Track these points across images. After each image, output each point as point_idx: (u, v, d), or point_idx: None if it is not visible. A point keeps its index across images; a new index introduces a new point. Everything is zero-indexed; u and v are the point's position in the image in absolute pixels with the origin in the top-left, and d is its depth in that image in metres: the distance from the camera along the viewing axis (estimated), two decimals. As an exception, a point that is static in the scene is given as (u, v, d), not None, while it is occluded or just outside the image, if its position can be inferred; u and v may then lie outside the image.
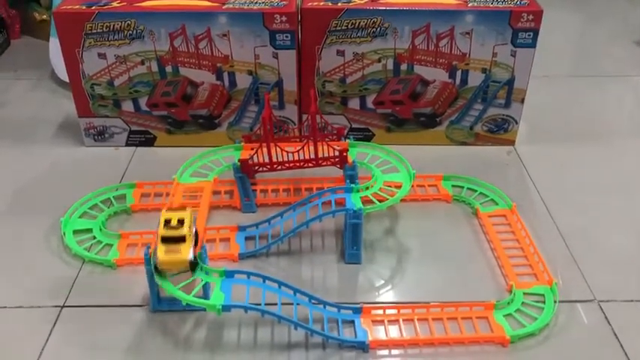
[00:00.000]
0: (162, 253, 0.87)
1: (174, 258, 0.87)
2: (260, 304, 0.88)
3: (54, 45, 1.60)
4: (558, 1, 2.16)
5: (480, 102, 1.33)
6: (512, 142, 1.39)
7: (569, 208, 1.19)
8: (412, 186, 1.21)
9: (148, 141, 1.38)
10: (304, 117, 1.33)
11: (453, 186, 1.24)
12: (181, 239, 0.87)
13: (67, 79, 1.34)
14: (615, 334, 0.93)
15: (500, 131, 1.37)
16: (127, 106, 1.34)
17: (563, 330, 0.94)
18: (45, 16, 1.87)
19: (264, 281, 0.92)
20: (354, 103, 1.34)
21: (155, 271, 0.89)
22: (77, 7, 1.24)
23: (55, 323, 0.95)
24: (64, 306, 0.98)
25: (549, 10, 1.28)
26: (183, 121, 1.36)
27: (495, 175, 1.26)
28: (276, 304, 0.89)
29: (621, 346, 0.91)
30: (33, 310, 0.97)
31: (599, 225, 1.15)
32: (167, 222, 0.88)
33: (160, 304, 0.97)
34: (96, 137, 1.38)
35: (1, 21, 1.88)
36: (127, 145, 1.39)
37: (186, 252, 0.87)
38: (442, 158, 1.34)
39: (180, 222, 0.88)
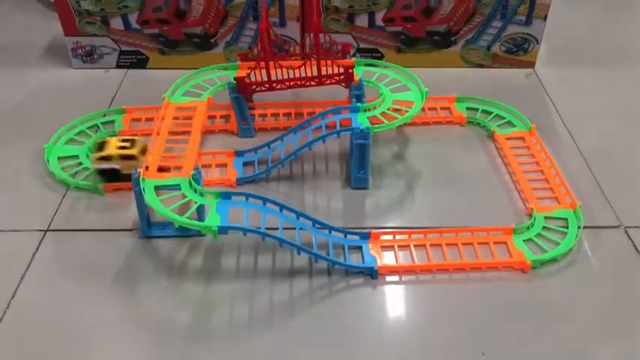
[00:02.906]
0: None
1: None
2: (260, 228, 0.80)
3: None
4: None
5: (499, 18, 1.22)
6: (532, 65, 1.29)
7: (593, 132, 1.10)
8: (423, 108, 1.13)
9: (140, 62, 1.29)
10: (307, 34, 1.22)
11: (467, 108, 1.15)
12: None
13: (52, -2, 1.24)
14: (644, 261, 0.86)
15: (519, 52, 1.27)
16: (116, 23, 1.24)
17: (588, 256, 0.87)
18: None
19: (264, 204, 0.84)
20: (361, 20, 1.24)
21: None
22: None
23: (38, 247, 0.88)
24: (47, 230, 0.91)
25: None
26: (177, 41, 1.26)
27: (513, 97, 1.17)
28: (277, 228, 0.82)
29: (650, 273, 0.85)
30: (14, 234, 0.90)
31: (623, 149, 1.07)
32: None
33: (150, 230, 0.90)
34: (84, 58, 1.28)
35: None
36: (118, 67, 1.29)
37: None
38: (456, 81, 1.24)
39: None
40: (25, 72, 1.29)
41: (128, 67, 1.29)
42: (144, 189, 0.83)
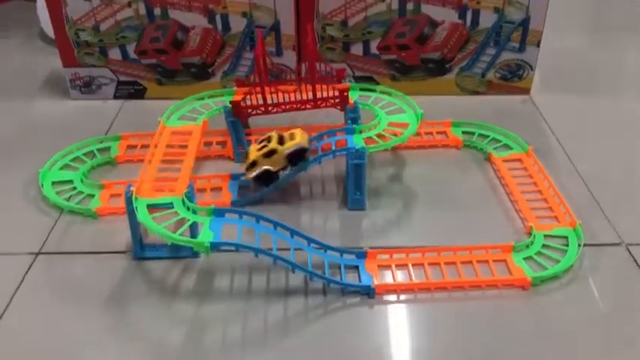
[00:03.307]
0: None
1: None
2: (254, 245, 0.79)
3: (41, 0, 1.52)
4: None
5: (493, 45, 1.24)
6: (527, 91, 1.29)
7: (590, 153, 1.10)
8: (419, 133, 1.13)
9: (138, 93, 1.30)
10: (303, 63, 1.24)
11: (464, 132, 1.15)
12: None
13: (54, 35, 1.25)
14: (647, 278, 0.84)
15: (514, 78, 1.28)
16: (115, 54, 1.25)
17: (589, 274, 0.85)
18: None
19: (257, 221, 0.83)
20: (356, 49, 1.25)
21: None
22: (58, -56, 1.16)
23: (28, 270, 0.86)
24: (39, 253, 0.89)
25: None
26: (175, 71, 1.27)
27: (509, 122, 1.17)
28: (271, 249, 0.80)
29: (655, 289, 0.82)
30: (4, 257, 0.89)
31: (621, 169, 1.06)
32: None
33: (143, 251, 0.88)
34: (82, 89, 1.29)
35: (-12, -18, 1.80)
36: (116, 97, 1.30)
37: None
38: (452, 108, 1.24)
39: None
40: (23, 103, 1.30)
41: (126, 98, 1.30)
42: (136, 207, 0.82)
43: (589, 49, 1.55)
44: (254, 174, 0.95)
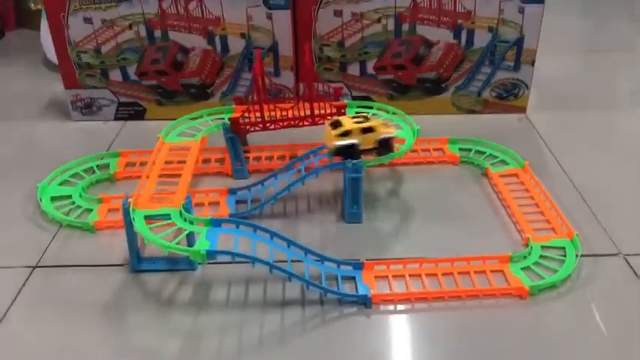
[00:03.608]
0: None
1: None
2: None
3: (45, 27, 1.54)
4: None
5: (488, 65, 1.26)
6: (523, 110, 1.31)
7: (586, 168, 1.11)
8: (416, 150, 1.14)
9: (138, 114, 1.31)
10: (301, 82, 1.26)
11: (460, 149, 1.16)
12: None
13: (56, 61, 1.28)
14: (646, 287, 0.84)
15: (510, 97, 1.29)
16: (115, 75, 1.27)
17: (588, 283, 0.84)
18: (40, 6, 1.82)
19: (254, 231, 0.83)
20: (353, 69, 1.27)
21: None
22: (62, -32, 1.19)
23: (25, 282, 0.86)
24: (36, 266, 0.89)
25: None
26: (174, 91, 1.29)
27: (506, 139, 1.18)
28: (267, 260, 0.80)
29: (654, 298, 0.82)
30: (1, 271, 0.89)
31: (617, 183, 1.07)
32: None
33: (140, 264, 0.88)
34: (83, 110, 1.31)
35: (-5, 12, 1.84)
36: (116, 119, 1.32)
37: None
38: (449, 127, 1.25)
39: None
40: (24, 125, 1.32)
41: (126, 119, 1.32)
42: (134, 218, 0.82)
43: (583, 68, 1.58)
44: (342, 143, 0.92)
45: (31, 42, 1.75)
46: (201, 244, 0.78)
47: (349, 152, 0.93)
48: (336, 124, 0.94)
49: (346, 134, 0.92)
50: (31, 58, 1.67)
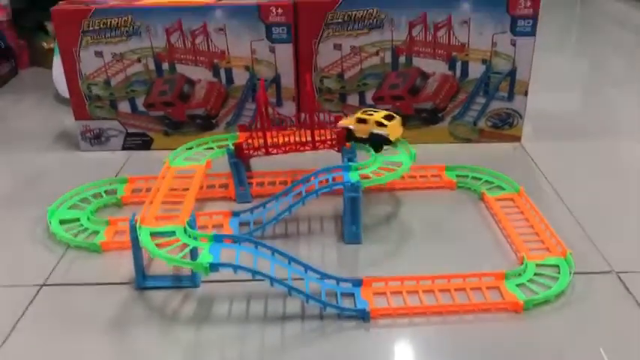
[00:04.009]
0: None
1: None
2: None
3: (57, 64, 1.61)
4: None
5: (482, 95, 1.30)
6: (518, 139, 1.35)
7: (580, 192, 1.14)
8: (414, 176, 1.18)
9: (145, 144, 1.36)
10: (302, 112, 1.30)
11: (457, 175, 1.19)
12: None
13: (67, 95, 1.33)
14: (638, 303, 0.85)
15: (505, 126, 1.34)
16: (124, 107, 1.32)
17: (581, 299, 0.86)
18: (52, 45, 1.89)
19: (256, 247, 0.86)
20: (353, 100, 1.32)
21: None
22: (75, 5, 1.25)
23: (32, 300, 0.89)
24: (44, 284, 0.92)
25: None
26: (181, 122, 1.34)
27: (502, 166, 1.21)
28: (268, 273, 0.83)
29: (646, 313, 0.84)
30: (9, 289, 0.91)
31: (609, 205, 1.10)
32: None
33: (145, 281, 0.91)
34: (92, 141, 1.36)
35: (9, 51, 1.91)
36: (124, 149, 1.36)
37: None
38: (446, 155, 1.28)
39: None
40: (34, 155, 1.36)
41: (133, 149, 1.36)
42: (140, 234, 0.85)
43: (577, 103, 1.63)
44: (378, 132, 1.05)
45: (43, 79, 1.81)
46: (205, 258, 0.80)
47: (382, 142, 1.06)
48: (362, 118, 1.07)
49: (381, 125, 1.05)
50: (43, 94, 1.73)
